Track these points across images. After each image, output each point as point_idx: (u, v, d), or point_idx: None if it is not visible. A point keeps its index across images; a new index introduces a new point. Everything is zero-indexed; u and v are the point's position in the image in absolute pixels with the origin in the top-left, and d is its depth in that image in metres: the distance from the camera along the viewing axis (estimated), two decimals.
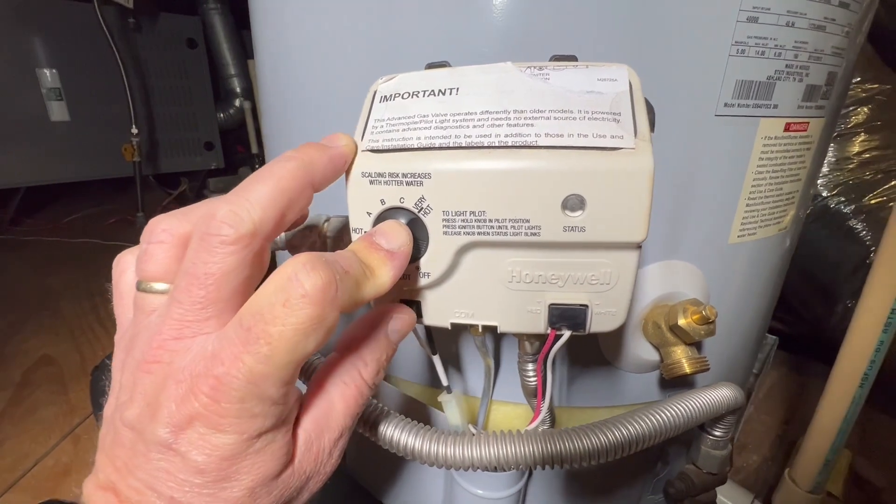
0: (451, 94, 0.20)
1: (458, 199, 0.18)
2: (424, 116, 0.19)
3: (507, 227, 0.18)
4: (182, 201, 1.92)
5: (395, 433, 0.25)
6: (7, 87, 1.48)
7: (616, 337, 0.33)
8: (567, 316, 0.20)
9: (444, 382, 0.29)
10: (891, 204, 0.78)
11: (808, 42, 0.29)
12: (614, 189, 0.17)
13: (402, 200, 0.19)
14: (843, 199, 0.81)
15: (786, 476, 0.59)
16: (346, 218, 0.25)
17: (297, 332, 0.14)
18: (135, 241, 0.19)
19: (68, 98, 1.59)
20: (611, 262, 0.19)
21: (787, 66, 0.29)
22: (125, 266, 0.20)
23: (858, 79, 0.83)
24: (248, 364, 0.14)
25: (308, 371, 0.24)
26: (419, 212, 0.19)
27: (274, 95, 0.39)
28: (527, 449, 0.25)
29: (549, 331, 0.21)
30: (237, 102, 1.95)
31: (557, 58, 0.22)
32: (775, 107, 0.30)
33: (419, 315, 0.21)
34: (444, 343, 0.34)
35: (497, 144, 0.18)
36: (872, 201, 0.79)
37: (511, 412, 0.36)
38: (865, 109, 0.83)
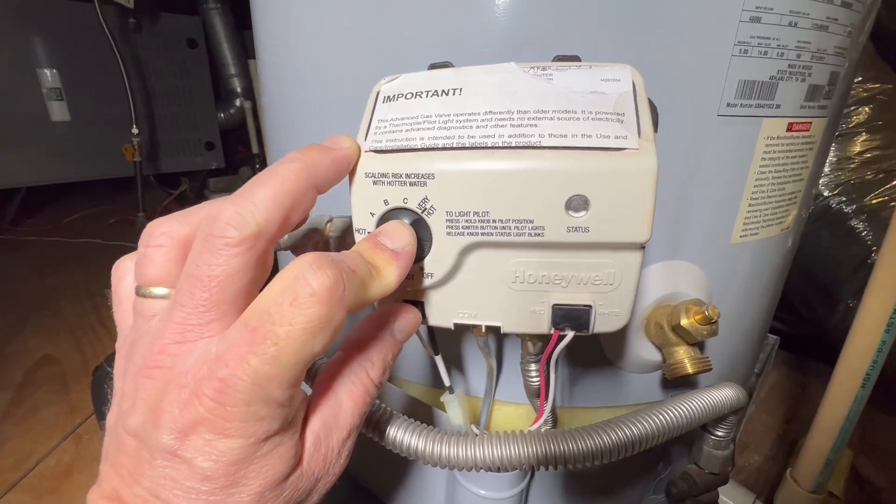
0: (454, 94, 0.20)
1: (462, 199, 0.18)
2: (428, 117, 0.19)
3: (510, 227, 0.18)
4: (183, 201, 1.92)
5: (398, 433, 0.25)
6: (8, 87, 1.48)
7: (618, 337, 0.33)
8: (571, 316, 0.20)
9: (447, 383, 0.29)
10: (892, 204, 0.78)
11: (810, 42, 0.29)
12: (618, 189, 0.17)
13: (405, 201, 0.19)
14: (844, 198, 0.81)
15: (787, 476, 0.59)
16: (349, 218, 0.25)
17: (305, 332, 0.14)
18: (136, 241, 0.19)
19: (69, 98, 1.59)
20: (614, 262, 0.19)
21: (789, 66, 0.29)
22: (124, 271, 0.19)
23: (860, 78, 0.83)
24: (254, 365, 0.14)
25: (312, 373, 0.24)
26: (423, 212, 0.19)
27: (276, 95, 0.39)
28: (529, 449, 0.25)
29: (552, 331, 0.21)
30: (238, 102, 1.95)
31: (560, 58, 0.22)
32: (778, 107, 0.30)
33: (423, 315, 0.21)
34: (447, 343, 0.34)
35: (501, 145, 0.18)
36: (874, 201, 0.79)
37: (513, 412, 0.36)
38: (867, 109, 0.83)
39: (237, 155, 2.12)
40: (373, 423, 0.25)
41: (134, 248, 0.19)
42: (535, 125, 0.18)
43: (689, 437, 0.36)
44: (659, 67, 0.27)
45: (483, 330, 0.22)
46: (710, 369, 0.30)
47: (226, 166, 2.04)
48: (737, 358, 0.41)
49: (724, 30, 0.27)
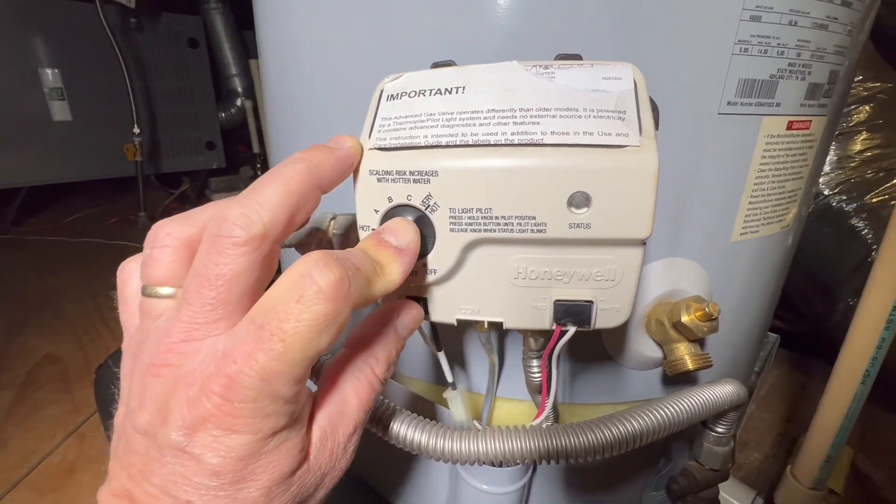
0: (457, 92, 0.20)
1: (465, 196, 0.18)
2: (431, 115, 0.20)
3: (513, 223, 0.18)
4: (184, 201, 1.92)
5: (403, 429, 0.25)
6: (9, 87, 1.49)
7: (619, 334, 0.33)
8: (572, 312, 0.20)
9: (449, 379, 0.29)
10: (892, 202, 0.78)
11: (810, 41, 0.29)
12: (619, 186, 0.17)
13: (409, 198, 0.19)
14: (844, 197, 0.81)
15: (787, 473, 0.59)
16: (353, 216, 0.26)
17: (312, 329, 0.14)
18: (137, 240, 0.19)
19: (70, 98, 1.60)
20: (616, 258, 0.19)
21: (789, 64, 0.29)
22: (129, 273, 0.19)
23: (860, 77, 0.84)
24: (261, 362, 0.14)
25: (317, 370, 0.24)
26: (426, 209, 0.19)
27: (279, 94, 0.39)
28: (531, 443, 0.25)
29: (554, 327, 0.21)
30: (238, 102, 1.95)
31: (562, 56, 0.22)
32: (778, 105, 0.30)
33: (425, 311, 0.21)
34: (449, 340, 0.35)
35: (503, 142, 0.18)
36: (874, 200, 0.80)
37: (514, 409, 0.36)
38: (867, 108, 0.83)
39: (238, 154, 2.13)
40: (377, 419, 0.25)
41: (135, 248, 0.19)
42: (538, 123, 0.18)
43: (690, 433, 0.36)
44: (660, 66, 0.27)
45: (485, 326, 0.22)
46: (711, 366, 0.30)
47: (227, 166, 2.05)
48: (737, 356, 0.41)
49: (725, 28, 0.27)
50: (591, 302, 0.20)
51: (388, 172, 0.19)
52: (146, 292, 0.17)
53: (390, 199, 0.19)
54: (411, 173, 0.18)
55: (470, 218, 0.19)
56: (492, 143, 0.18)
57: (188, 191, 1.94)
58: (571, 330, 0.21)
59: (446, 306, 0.21)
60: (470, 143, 0.18)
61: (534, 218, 0.18)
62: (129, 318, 0.19)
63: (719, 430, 0.34)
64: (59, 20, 1.53)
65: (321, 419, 0.18)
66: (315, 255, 0.15)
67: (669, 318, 0.30)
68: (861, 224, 0.80)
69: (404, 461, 0.42)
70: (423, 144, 0.19)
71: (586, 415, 0.36)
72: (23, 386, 0.86)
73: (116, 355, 0.80)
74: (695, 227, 0.32)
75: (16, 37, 1.47)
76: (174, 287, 0.17)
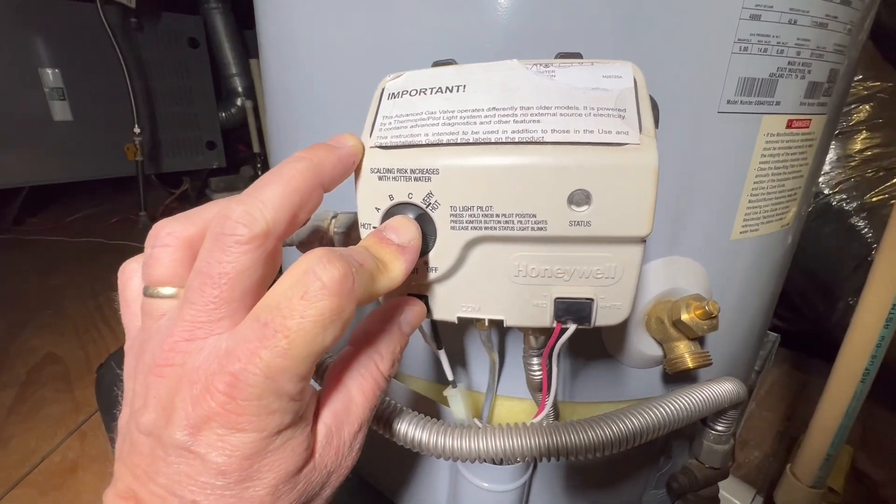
0: (458, 91, 0.20)
1: (466, 194, 0.18)
2: (432, 113, 0.20)
3: (513, 221, 0.18)
4: (184, 200, 1.92)
5: (407, 428, 0.25)
6: (9, 87, 1.49)
7: (619, 332, 0.33)
8: (573, 310, 0.20)
9: (450, 377, 0.29)
10: (892, 201, 0.78)
11: (810, 39, 0.29)
12: (620, 184, 0.17)
13: (410, 196, 0.19)
14: (844, 196, 0.81)
15: (787, 471, 0.59)
16: (354, 214, 0.26)
17: (316, 325, 0.14)
18: (137, 240, 0.19)
19: (71, 98, 1.60)
20: (616, 256, 0.19)
21: (789, 63, 0.29)
22: (130, 274, 0.19)
23: (860, 77, 0.84)
24: (265, 359, 0.14)
25: (321, 369, 0.24)
26: (427, 207, 0.19)
27: (280, 93, 0.39)
28: (532, 441, 0.25)
29: (554, 324, 0.21)
30: (239, 101, 1.95)
31: (563, 55, 0.22)
32: (778, 104, 0.30)
33: (427, 309, 0.21)
34: (449, 338, 0.35)
35: (504, 140, 0.18)
36: (874, 199, 0.80)
37: (515, 407, 0.36)
38: (867, 107, 0.83)
39: (238, 154, 2.13)
40: (379, 418, 0.25)
41: (136, 248, 0.19)
42: (538, 121, 0.18)
43: (690, 431, 0.36)
44: (660, 64, 0.27)
45: (486, 324, 0.22)
46: (711, 364, 0.30)
47: (227, 165, 2.05)
48: (737, 355, 0.41)
49: (725, 27, 0.27)
50: (592, 300, 0.20)
51: (389, 170, 0.19)
52: (148, 292, 0.17)
53: (391, 198, 0.19)
54: (412, 171, 0.18)
55: (471, 216, 0.19)
56: (492, 141, 0.18)
57: (189, 190, 1.94)
58: (572, 328, 0.21)
59: (447, 304, 0.21)
60: (471, 141, 0.18)
61: (534, 216, 0.18)
62: (130, 319, 0.19)
63: (719, 428, 0.35)
64: (59, 20, 1.53)
65: (326, 417, 0.18)
66: (318, 252, 0.15)
67: (669, 317, 0.31)
68: (861, 223, 0.80)
69: (405, 459, 0.42)
70: (424, 143, 0.19)
71: (586, 413, 0.36)
72: (24, 385, 0.86)
73: (117, 354, 0.80)
74: (695, 226, 0.32)
75: (16, 37, 1.47)
76: (176, 287, 0.17)
